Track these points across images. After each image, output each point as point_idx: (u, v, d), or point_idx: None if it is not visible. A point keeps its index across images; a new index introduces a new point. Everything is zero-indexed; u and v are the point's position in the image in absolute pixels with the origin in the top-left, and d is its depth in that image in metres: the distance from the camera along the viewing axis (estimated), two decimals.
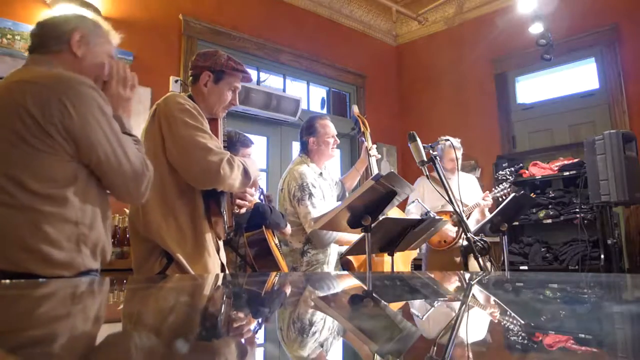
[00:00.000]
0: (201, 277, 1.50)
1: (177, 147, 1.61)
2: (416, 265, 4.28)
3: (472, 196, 3.33)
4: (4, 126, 1.19)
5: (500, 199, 3.34)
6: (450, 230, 3.21)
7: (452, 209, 3.18)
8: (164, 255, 1.62)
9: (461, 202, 2.80)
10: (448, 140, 3.34)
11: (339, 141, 2.74)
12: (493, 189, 3.44)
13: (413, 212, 3.21)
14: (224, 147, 1.84)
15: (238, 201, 1.82)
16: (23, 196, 1.17)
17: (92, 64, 1.38)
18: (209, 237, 1.70)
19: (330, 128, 2.68)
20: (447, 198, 2.18)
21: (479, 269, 2.21)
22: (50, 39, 1.35)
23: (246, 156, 2.46)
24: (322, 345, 0.46)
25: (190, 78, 1.85)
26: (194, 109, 1.65)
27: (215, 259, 1.72)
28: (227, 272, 1.84)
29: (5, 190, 1.17)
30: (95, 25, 1.42)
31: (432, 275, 1.70)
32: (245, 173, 1.67)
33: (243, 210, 1.87)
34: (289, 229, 2.44)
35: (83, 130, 1.22)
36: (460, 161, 3.35)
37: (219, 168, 1.56)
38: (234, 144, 2.40)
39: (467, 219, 3.18)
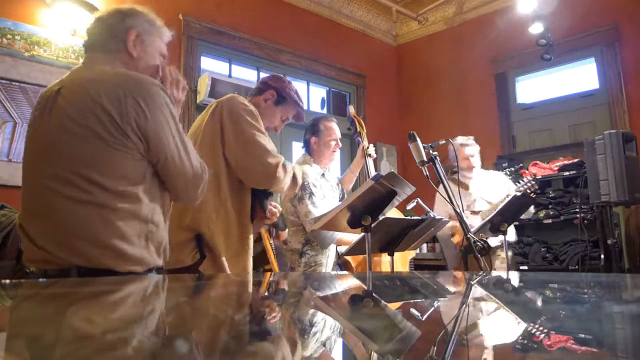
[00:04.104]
0: (243, 276, 1.51)
1: (239, 143, 1.68)
2: (416, 265, 4.29)
3: (500, 193, 3.25)
4: (77, 123, 1.19)
5: (526, 192, 3.29)
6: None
7: (476, 209, 3.20)
8: (199, 250, 1.65)
9: (459, 205, 2.79)
10: (455, 140, 3.31)
11: (341, 145, 2.74)
12: (517, 183, 3.38)
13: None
14: None
15: (271, 208, 1.86)
16: (97, 192, 1.19)
17: (147, 65, 1.40)
18: (251, 240, 1.75)
19: (333, 130, 2.68)
20: (446, 198, 2.18)
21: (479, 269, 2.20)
22: (107, 38, 1.36)
23: None
24: (322, 345, 0.46)
25: (255, 90, 1.95)
26: (256, 112, 1.75)
27: (251, 259, 1.77)
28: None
29: (80, 187, 1.18)
30: (149, 22, 1.42)
31: (432, 276, 1.70)
32: (294, 179, 1.73)
33: (273, 221, 1.93)
34: (285, 233, 2.46)
35: (154, 130, 1.24)
36: (476, 156, 3.31)
37: (276, 170, 1.65)
38: None
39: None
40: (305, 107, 4.74)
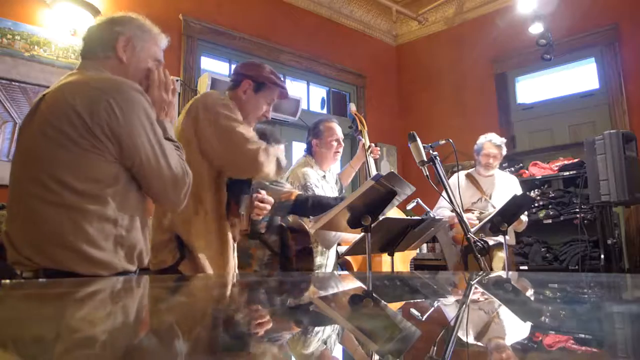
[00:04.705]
0: (221, 275, 1.50)
1: (218, 137, 1.67)
2: (417, 265, 4.29)
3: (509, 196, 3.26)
4: (53, 126, 1.21)
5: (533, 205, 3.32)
6: (472, 219, 3.16)
7: (481, 207, 3.20)
8: (179, 250, 1.64)
9: (464, 207, 2.79)
10: (487, 135, 3.34)
11: (343, 145, 2.72)
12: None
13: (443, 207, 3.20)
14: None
15: (257, 204, 1.83)
16: (67, 195, 1.20)
17: (137, 69, 1.41)
18: (230, 236, 1.73)
19: (334, 130, 2.67)
20: (447, 198, 2.18)
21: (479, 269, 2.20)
22: (97, 45, 1.39)
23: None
24: (322, 345, 0.46)
25: (231, 83, 1.91)
26: (232, 104, 1.74)
27: (233, 258, 1.76)
28: (236, 272, 1.85)
29: (51, 189, 1.19)
30: (141, 29, 1.44)
31: (432, 275, 1.70)
32: (279, 164, 1.72)
33: (260, 217, 1.89)
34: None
35: (128, 133, 1.24)
36: (497, 160, 3.31)
37: (257, 156, 1.63)
38: (267, 139, 2.40)
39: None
40: (305, 107, 4.77)
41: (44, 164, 1.21)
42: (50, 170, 1.20)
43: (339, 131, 2.69)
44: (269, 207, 1.86)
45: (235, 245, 1.84)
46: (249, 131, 1.69)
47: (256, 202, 1.83)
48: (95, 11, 3.40)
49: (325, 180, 2.66)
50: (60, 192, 1.19)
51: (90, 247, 1.20)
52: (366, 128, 2.81)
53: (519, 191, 3.32)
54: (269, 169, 1.67)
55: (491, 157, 3.28)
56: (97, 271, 1.21)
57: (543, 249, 4.12)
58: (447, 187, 2.17)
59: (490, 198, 3.27)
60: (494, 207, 3.18)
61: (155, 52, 1.46)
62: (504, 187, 3.29)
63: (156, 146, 1.29)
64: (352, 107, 2.91)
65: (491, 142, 3.30)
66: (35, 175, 1.22)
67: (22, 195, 1.24)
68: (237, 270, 1.86)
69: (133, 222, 1.30)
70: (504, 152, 3.36)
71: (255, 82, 1.85)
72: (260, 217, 1.89)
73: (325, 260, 2.57)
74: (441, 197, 3.26)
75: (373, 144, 2.79)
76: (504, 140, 3.37)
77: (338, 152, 2.68)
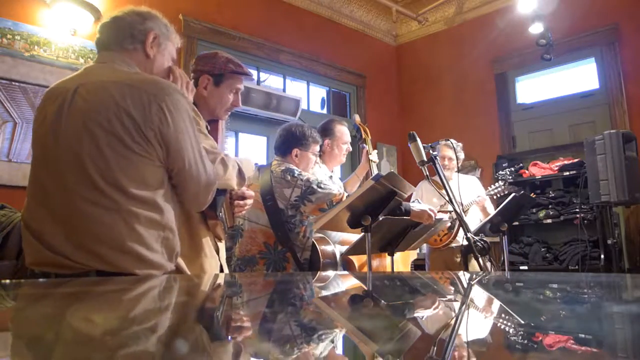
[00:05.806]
0: (199, 277, 1.50)
1: None
2: (417, 265, 4.30)
3: (472, 196, 3.37)
4: (103, 128, 1.19)
5: (494, 197, 3.41)
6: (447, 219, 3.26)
7: (449, 209, 3.26)
8: None
9: (461, 203, 2.81)
10: (448, 140, 3.44)
11: (351, 149, 2.81)
12: (489, 187, 3.51)
13: None
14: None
15: (237, 202, 1.78)
16: (121, 199, 1.19)
17: (160, 67, 1.42)
18: (207, 239, 1.68)
19: (346, 135, 2.75)
20: (447, 198, 2.18)
21: (479, 269, 2.21)
22: (125, 36, 1.36)
23: (315, 152, 2.47)
24: (322, 346, 0.46)
25: (192, 81, 1.85)
26: (194, 111, 1.65)
27: (214, 259, 1.71)
28: (225, 272, 1.83)
29: (104, 192, 1.18)
30: (166, 27, 1.45)
31: (432, 275, 1.70)
32: (240, 173, 1.66)
33: (243, 212, 1.84)
34: None
35: (176, 138, 1.25)
36: (456, 162, 3.41)
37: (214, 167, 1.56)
38: (306, 138, 2.42)
39: (465, 216, 3.23)
40: (305, 107, 4.77)
41: (92, 165, 1.18)
42: (100, 173, 1.18)
43: (349, 136, 2.79)
44: (250, 202, 1.80)
45: (223, 244, 1.79)
46: (205, 139, 1.58)
47: (236, 201, 1.77)
48: (95, 11, 3.40)
49: (332, 181, 2.70)
50: (115, 196, 1.18)
51: (144, 249, 1.20)
52: (369, 137, 2.93)
53: (480, 189, 3.47)
54: (226, 179, 1.56)
55: (446, 158, 3.39)
56: (151, 271, 1.22)
57: (543, 249, 4.13)
58: (448, 187, 2.18)
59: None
60: (462, 204, 3.29)
61: (173, 52, 1.47)
62: (464, 185, 3.41)
63: (197, 151, 1.31)
64: (357, 118, 3.04)
65: (446, 143, 3.43)
66: (81, 176, 1.18)
67: (62, 194, 1.20)
68: (225, 271, 1.82)
69: (173, 224, 1.30)
70: (462, 155, 3.48)
71: (213, 76, 1.77)
72: (242, 213, 1.84)
73: None
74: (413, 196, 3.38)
75: (375, 151, 2.91)
76: (460, 144, 3.49)
77: (345, 154, 2.77)
